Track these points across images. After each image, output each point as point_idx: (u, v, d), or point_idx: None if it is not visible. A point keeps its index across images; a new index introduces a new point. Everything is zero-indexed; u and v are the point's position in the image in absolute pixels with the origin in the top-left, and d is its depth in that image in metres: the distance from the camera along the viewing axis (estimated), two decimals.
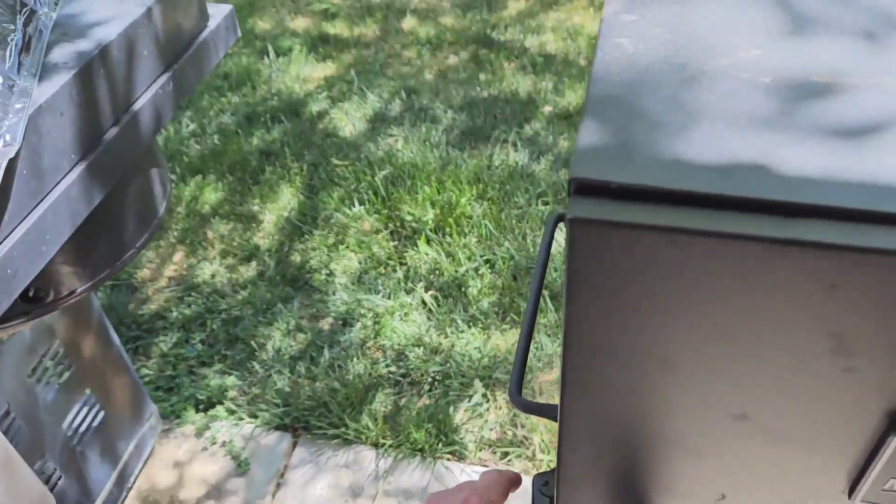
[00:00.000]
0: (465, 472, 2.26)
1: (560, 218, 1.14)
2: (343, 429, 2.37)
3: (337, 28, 4.30)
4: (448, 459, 2.31)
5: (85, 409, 1.96)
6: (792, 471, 0.59)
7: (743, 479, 0.62)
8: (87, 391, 1.96)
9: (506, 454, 2.29)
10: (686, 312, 0.48)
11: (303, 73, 3.94)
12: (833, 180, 0.44)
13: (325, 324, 2.72)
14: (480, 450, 2.32)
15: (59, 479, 1.86)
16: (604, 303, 0.49)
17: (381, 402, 2.45)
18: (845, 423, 0.52)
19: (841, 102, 0.51)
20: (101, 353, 2.01)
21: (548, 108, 3.57)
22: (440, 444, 2.32)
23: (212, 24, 1.47)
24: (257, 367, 2.58)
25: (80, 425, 1.94)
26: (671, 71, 0.56)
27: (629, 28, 0.64)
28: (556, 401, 0.67)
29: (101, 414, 2.02)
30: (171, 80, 1.32)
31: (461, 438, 2.34)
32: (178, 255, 2.98)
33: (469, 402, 2.41)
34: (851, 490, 0.58)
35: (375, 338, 2.64)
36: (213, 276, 2.88)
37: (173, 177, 3.28)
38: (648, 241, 0.44)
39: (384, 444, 2.34)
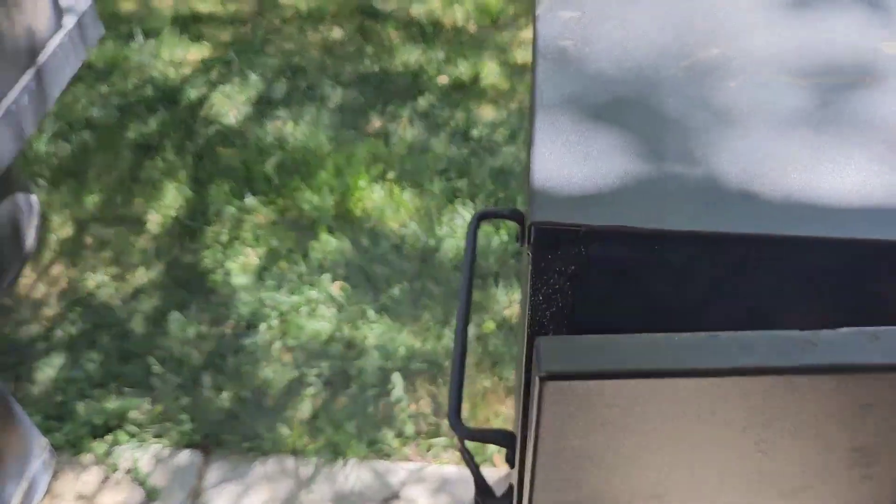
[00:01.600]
0: (390, 471, 2.18)
1: (482, 216, 1.06)
2: (257, 440, 2.24)
3: (208, 4, 4.04)
4: (373, 459, 2.22)
5: None
6: None
7: None
8: None
9: (429, 447, 2.22)
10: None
11: (176, 57, 3.68)
12: None
13: (227, 328, 2.56)
14: (405, 445, 2.24)
15: None
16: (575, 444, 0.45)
17: (296, 407, 2.33)
18: None
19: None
20: None
21: (443, 79, 3.47)
22: (363, 444, 2.23)
23: (68, 22, 1.29)
24: (157, 382, 2.40)
25: None
26: (626, 80, 0.47)
27: (570, 28, 0.55)
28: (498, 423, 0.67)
29: None
30: (27, 93, 1.14)
31: (384, 436, 2.25)
32: (58, 269, 2.73)
33: (389, 397, 2.32)
34: None
35: (283, 338, 2.51)
36: (98, 287, 2.66)
37: (42, 181, 3.00)
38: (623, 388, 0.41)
39: (304, 450, 2.23)
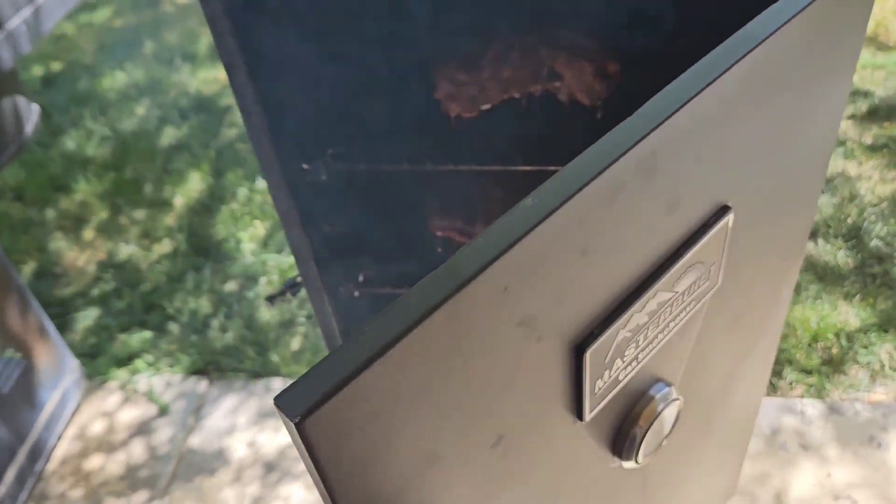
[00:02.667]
0: None
1: None
2: (252, 366, 2.63)
3: None
4: None
5: (3, 361, 2.20)
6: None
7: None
8: (3, 345, 2.20)
9: None
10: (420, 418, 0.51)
11: (209, 77, 4.21)
12: None
13: (234, 284, 2.98)
14: None
15: None
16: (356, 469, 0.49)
17: (287, 342, 2.71)
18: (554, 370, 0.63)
19: None
20: (18, 310, 2.26)
21: None
22: None
23: None
24: (173, 326, 2.83)
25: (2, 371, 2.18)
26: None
27: None
28: None
29: (22, 363, 2.25)
30: (25, 23, 1.58)
31: None
32: (97, 243, 3.23)
33: None
34: (579, 415, 0.69)
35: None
36: (129, 256, 3.13)
37: (91, 175, 3.53)
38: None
39: (291, 374, 2.61)
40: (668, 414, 0.75)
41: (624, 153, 0.53)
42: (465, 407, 0.55)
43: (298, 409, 0.44)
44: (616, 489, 0.82)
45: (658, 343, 0.71)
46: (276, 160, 0.96)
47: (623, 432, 0.73)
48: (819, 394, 2.39)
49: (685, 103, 0.55)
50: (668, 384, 0.75)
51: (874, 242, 2.81)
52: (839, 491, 2.12)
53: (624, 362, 0.67)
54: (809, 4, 0.63)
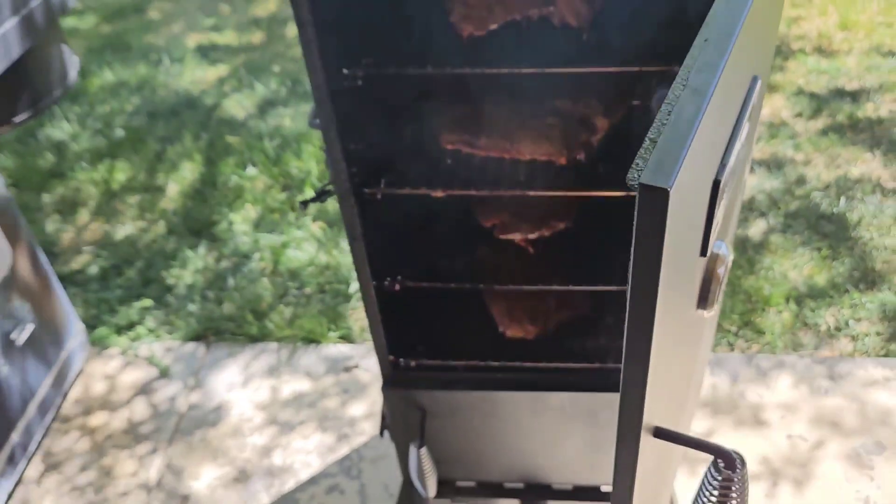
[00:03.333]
0: (353, 350, 2.71)
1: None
2: (248, 327, 2.79)
3: (226, 38, 4.79)
4: (339, 342, 2.75)
5: (17, 313, 2.34)
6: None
7: None
8: (17, 298, 2.34)
9: None
10: None
11: (197, 76, 4.40)
12: None
13: (230, 262, 3.14)
14: (363, 331, 2.77)
15: (4, 366, 2.24)
16: None
17: (281, 310, 2.89)
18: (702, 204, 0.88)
19: None
20: (30, 267, 2.41)
21: None
22: (330, 332, 2.77)
23: None
24: (171, 299, 2.98)
25: (14, 327, 2.32)
26: None
27: None
28: None
29: (33, 319, 2.39)
30: None
31: (349, 324, 2.79)
32: (94, 225, 3.37)
33: (350, 300, 2.87)
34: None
35: (275, 266, 3.08)
36: (126, 236, 3.28)
37: (85, 164, 3.68)
38: None
39: (285, 338, 2.78)
40: (725, 267, 0.93)
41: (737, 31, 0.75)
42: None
43: (668, 180, 0.58)
44: (694, 336, 0.99)
45: (727, 194, 0.89)
46: (321, 66, 1.16)
47: (706, 283, 0.90)
48: (772, 350, 2.63)
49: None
50: (723, 240, 0.94)
51: (819, 221, 3.08)
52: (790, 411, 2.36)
53: (719, 209, 0.84)
54: None
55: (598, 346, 1.64)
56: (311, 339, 2.78)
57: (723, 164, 0.83)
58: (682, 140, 0.63)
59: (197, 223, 3.33)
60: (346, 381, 2.63)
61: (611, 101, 1.37)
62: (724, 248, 0.94)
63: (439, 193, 1.34)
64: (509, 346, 1.65)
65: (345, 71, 1.20)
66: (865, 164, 3.39)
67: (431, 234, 1.56)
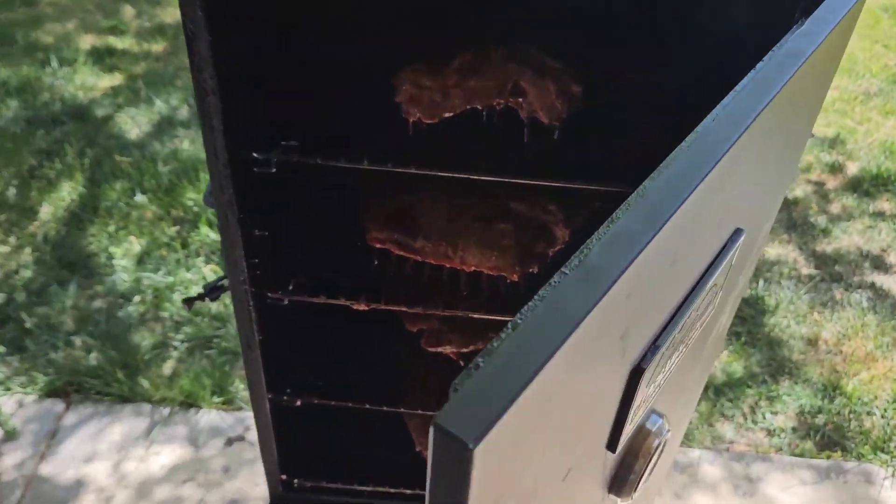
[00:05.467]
0: (239, 419, 2.40)
1: None
2: (117, 389, 2.43)
3: (125, 43, 4.39)
4: (222, 408, 2.43)
5: None
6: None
7: None
8: None
9: None
10: None
11: (88, 83, 3.98)
12: None
13: (104, 302, 2.77)
14: None
15: None
16: None
17: (159, 365, 2.54)
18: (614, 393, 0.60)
19: None
20: None
21: None
22: (217, 397, 2.45)
23: None
24: (30, 343, 2.58)
25: None
26: None
27: None
28: None
29: None
30: None
31: (236, 389, 2.48)
32: None
33: (240, 360, 2.55)
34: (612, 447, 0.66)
35: (156, 310, 2.73)
36: None
37: None
38: None
39: (161, 400, 2.43)
40: (658, 447, 0.73)
41: (704, 176, 0.54)
42: (565, 427, 0.52)
43: (473, 432, 0.38)
44: None
45: (669, 369, 0.69)
46: (224, 146, 0.90)
47: (625, 466, 0.71)
48: (689, 443, 2.48)
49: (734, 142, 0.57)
50: (661, 416, 0.74)
51: (740, 305, 3.00)
52: None
53: (649, 388, 0.65)
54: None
55: None
56: (191, 404, 2.44)
57: (655, 347, 0.63)
58: (531, 360, 0.42)
59: (70, 253, 2.93)
60: (229, 454, 2.31)
61: (575, 207, 1.16)
62: (659, 423, 0.74)
63: (362, 306, 1.08)
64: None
65: (255, 155, 0.94)
66: (782, 245, 3.34)
67: (344, 342, 1.30)
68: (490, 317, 1.11)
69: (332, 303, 1.08)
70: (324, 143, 0.95)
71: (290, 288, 1.10)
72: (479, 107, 0.98)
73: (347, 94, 1.05)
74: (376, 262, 1.16)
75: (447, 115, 0.97)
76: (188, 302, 1.17)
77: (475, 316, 1.09)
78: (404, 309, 1.09)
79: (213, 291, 1.15)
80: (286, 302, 1.09)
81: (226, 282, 1.09)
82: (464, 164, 0.98)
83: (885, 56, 4.62)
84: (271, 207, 1.04)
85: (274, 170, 0.95)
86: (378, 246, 1.14)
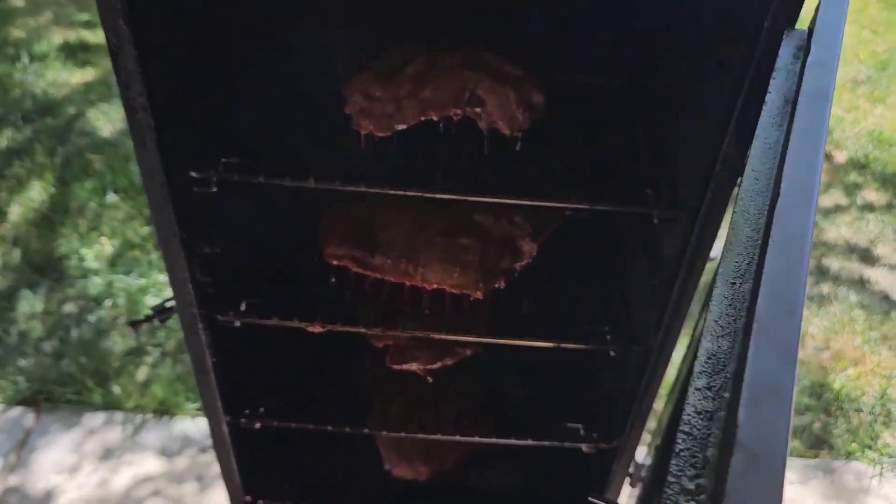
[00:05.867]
0: None
1: None
2: (88, 397, 2.37)
3: (99, 37, 4.28)
4: (197, 415, 2.37)
5: None
6: None
7: None
8: None
9: None
10: None
11: (60, 79, 3.89)
12: None
13: (75, 306, 2.70)
14: None
15: None
16: None
17: (132, 372, 2.48)
18: None
19: None
20: None
21: None
22: (188, 402, 2.39)
23: None
24: None
25: None
26: None
27: None
28: None
29: None
30: None
31: None
32: None
33: None
34: None
35: (129, 314, 2.66)
36: None
37: None
38: None
39: (134, 408, 2.37)
40: None
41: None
42: None
43: None
44: None
45: None
46: (159, 164, 0.84)
47: None
48: None
49: None
50: None
51: None
52: None
53: None
54: None
55: (502, 492, 1.37)
56: (164, 411, 2.38)
57: None
58: None
59: (40, 256, 2.86)
60: (203, 463, 2.25)
61: (541, 219, 1.10)
62: None
63: (317, 328, 1.02)
64: (396, 489, 1.35)
65: (193, 174, 0.87)
66: None
67: (303, 363, 1.24)
68: (454, 337, 1.05)
69: (286, 325, 1.03)
70: (268, 158, 0.89)
71: (242, 309, 1.05)
72: (435, 118, 0.92)
73: (293, 106, 0.99)
74: (333, 280, 1.10)
75: (400, 127, 0.91)
76: (134, 325, 1.11)
77: (438, 337, 1.03)
78: (363, 331, 1.03)
79: (161, 313, 1.08)
80: (237, 324, 1.03)
81: (174, 303, 1.03)
82: (419, 180, 0.92)
83: (874, 42, 4.57)
84: (217, 226, 0.98)
85: (215, 189, 0.88)
86: (335, 263, 1.08)
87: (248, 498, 1.32)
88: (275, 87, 0.99)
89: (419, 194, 0.88)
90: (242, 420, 1.18)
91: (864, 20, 4.73)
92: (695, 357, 0.49)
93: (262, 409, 1.19)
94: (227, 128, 0.94)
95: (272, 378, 1.23)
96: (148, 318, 1.09)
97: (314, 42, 0.97)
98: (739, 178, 0.86)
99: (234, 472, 1.26)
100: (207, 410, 1.15)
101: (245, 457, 1.25)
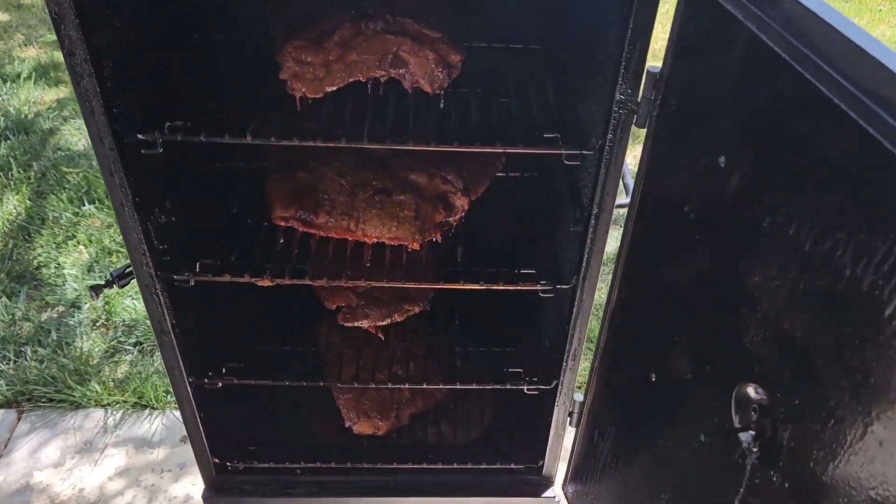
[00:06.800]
0: None
1: None
2: (69, 392, 2.43)
3: None
4: (174, 408, 2.44)
5: None
6: None
7: None
8: None
9: None
10: None
11: (33, 97, 3.96)
12: None
13: (54, 312, 2.76)
14: None
15: None
16: None
17: (112, 370, 2.54)
18: None
19: None
20: None
21: None
22: (167, 395, 2.45)
23: None
24: None
25: None
26: None
27: None
28: None
29: None
30: None
31: None
32: None
33: None
34: None
35: (108, 317, 2.73)
36: None
37: None
38: None
39: (111, 402, 2.44)
40: None
41: None
42: None
43: None
44: None
45: None
46: (108, 128, 0.92)
47: None
48: None
49: None
50: None
51: None
52: None
53: None
54: None
55: (456, 443, 1.45)
56: (144, 405, 2.45)
57: None
58: None
59: (18, 265, 2.93)
60: (183, 452, 2.32)
61: (472, 176, 1.19)
62: None
63: (266, 282, 1.11)
64: (357, 445, 1.43)
65: (140, 136, 0.96)
66: None
67: (262, 321, 1.32)
68: (394, 284, 1.14)
69: (238, 281, 1.11)
70: (209, 122, 0.97)
71: (197, 270, 1.13)
72: (362, 79, 1.01)
73: (231, 71, 1.08)
74: (281, 241, 1.19)
75: (331, 89, 1.00)
76: (95, 289, 1.18)
77: (378, 285, 1.12)
78: (308, 282, 1.12)
79: (120, 278, 1.16)
80: (192, 283, 1.12)
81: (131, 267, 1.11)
82: (352, 136, 1.01)
83: None
84: (169, 196, 1.06)
85: (161, 150, 0.97)
86: (283, 225, 1.16)
87: (216, 460, 1.40)
88: (214, 56, 1.08)
89: (349, 145, 0.97)
90: (206, 381, 1.26)
91: None
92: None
93: (223, 370, 1.27)
94: (170, 95, 1.03)
95: (232, 342, 1.31)
96: (108, 283, 1.17)
97: (250, 12, 1.06)
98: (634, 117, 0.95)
99: (200, 433, 1.33)
100: (171, 372, 1.23)
101: (210, 419, 1.33)
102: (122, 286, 1.17)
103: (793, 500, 0.71)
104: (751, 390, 0.78)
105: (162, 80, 1.02)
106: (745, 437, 0.78)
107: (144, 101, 0.98)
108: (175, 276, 1.10)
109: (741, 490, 0.80)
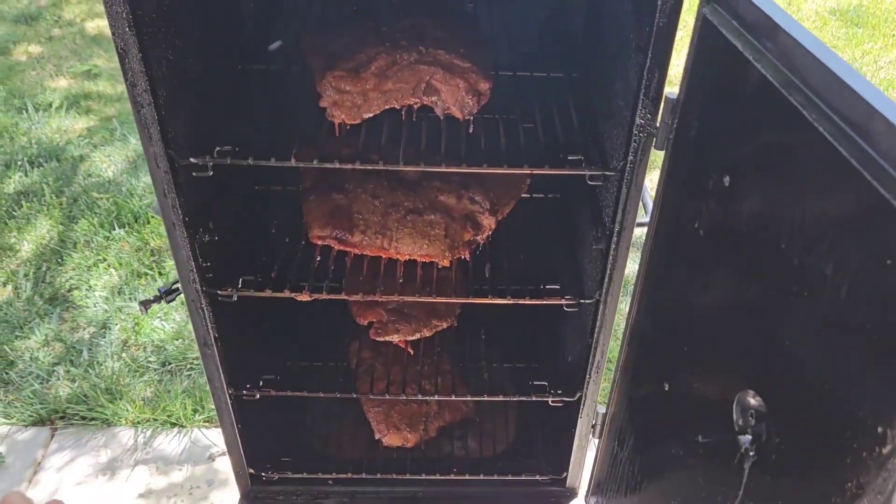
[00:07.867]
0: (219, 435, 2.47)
1: None
2: (100, 410, 2.50)
3: (99, 87, 4.49)
4: (204, 426, 2.50)
5: None
6: None
7: None
8: None
9: None
10: None
11: (64, 126, 4.08)
12: None
13: (86, 333, 2.84)
14: None
15: None
16: None
17: (141, 389, 2.61)
18: None
19: None
20: None
21: None
22: (195, 414, 2.52)
23: None
24: (13, 376, 2.65)
25: None
26: None
27: None
28: None
29: None
30: None
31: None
32: None
33: None
34: None
35: (136, 337, 2.81)
36: None
37: None
38: None
39: (142, 422, 2.50)
40: None
41: None
42: None
43: None
44: None
45: None
46: (163, 153, 0.99)
47: None
48: None
49: None
50: None
51: None
52: None
53: None
54: None
55: (482, 455, 1.50)
56: (174, 423, 2.51)
57: None
58: None
59: (50, 288, 3.01)
60: (213, 469, 2.38)
61: (499, 197, 1.26)
62: None
63: (305, 297, 1.17)
64: (386, 457, 1.48)
65: (192, 160, 1.03)
66: None
67: (298, 336, 1.39)
68: (426, 299, 1.20)
69: (278, 296, 1.17)
70: (252, 146, 1.04)
71: (239, 285, 1.19)
72: (397, 106, 1.08)
73: (271, 100, 1.15)
74: (318, 259, 1.25)
75: (367, 115, 1.07)
76: (145, 304, 1.25)
77: (410, 299, 1.18)
78: (344, 297, 1.18)
79: (168, 294, 1.23)
80: (235, 297, 1.18)
81: (179, 284, 1.18)
82: (388, 159, 1.08)
83: None
84: (215, 217, 1.13)
85: (211, 172, 1.04)
86: (319, 243, 1.23)
87: (251, 471, 1.46)
88: (255, 86, 1.15)
89: (385, 168, 1.04)
90: (244, 392, 1.32)
91: (825, 37, 4.95)
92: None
93: (260, 382, 1.33)
94: (217, 122, 1.10)
95: (269, 356, 1.37)
96: (157, 298, 1.24)
97: (293, 46, 1.13)
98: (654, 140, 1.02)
99: (237, 443, 1.39)
100: (212, 384, 1.29)
101: (247, 430, 1.39)
102: (169, 301, 1.24)
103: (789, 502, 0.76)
104: (750, 398, 0.84)
105: (208, 108, 1.10)
106: (743, 439, 0.84)
107: (193, 127, 1.05)
108: (219, 292, 1.17)
109: (739, 493, 0.85)
